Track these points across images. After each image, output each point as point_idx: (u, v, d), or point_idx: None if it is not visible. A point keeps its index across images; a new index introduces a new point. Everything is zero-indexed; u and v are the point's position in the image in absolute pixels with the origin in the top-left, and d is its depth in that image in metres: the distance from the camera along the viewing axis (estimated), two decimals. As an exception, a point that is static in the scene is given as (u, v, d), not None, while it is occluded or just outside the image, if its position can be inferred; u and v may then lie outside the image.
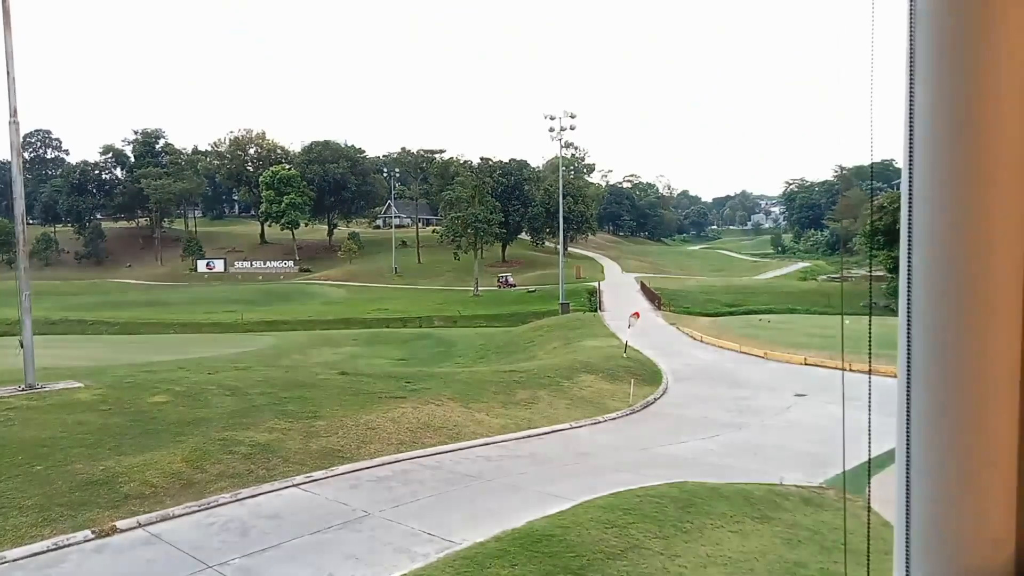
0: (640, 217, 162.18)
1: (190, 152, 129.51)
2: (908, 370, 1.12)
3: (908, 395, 1.12)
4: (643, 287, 72.48)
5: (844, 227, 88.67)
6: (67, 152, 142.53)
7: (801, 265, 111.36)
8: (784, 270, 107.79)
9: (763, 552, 11.87)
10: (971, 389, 1.07)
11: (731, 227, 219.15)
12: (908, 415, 1.12)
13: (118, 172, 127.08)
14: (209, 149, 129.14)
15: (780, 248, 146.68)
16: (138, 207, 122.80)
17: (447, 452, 18.34)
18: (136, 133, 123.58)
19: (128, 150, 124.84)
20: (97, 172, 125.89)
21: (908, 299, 1.10)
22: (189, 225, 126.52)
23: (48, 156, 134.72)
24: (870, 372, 1.93)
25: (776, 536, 12.67)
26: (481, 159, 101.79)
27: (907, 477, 1.13)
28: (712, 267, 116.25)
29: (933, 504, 1.11)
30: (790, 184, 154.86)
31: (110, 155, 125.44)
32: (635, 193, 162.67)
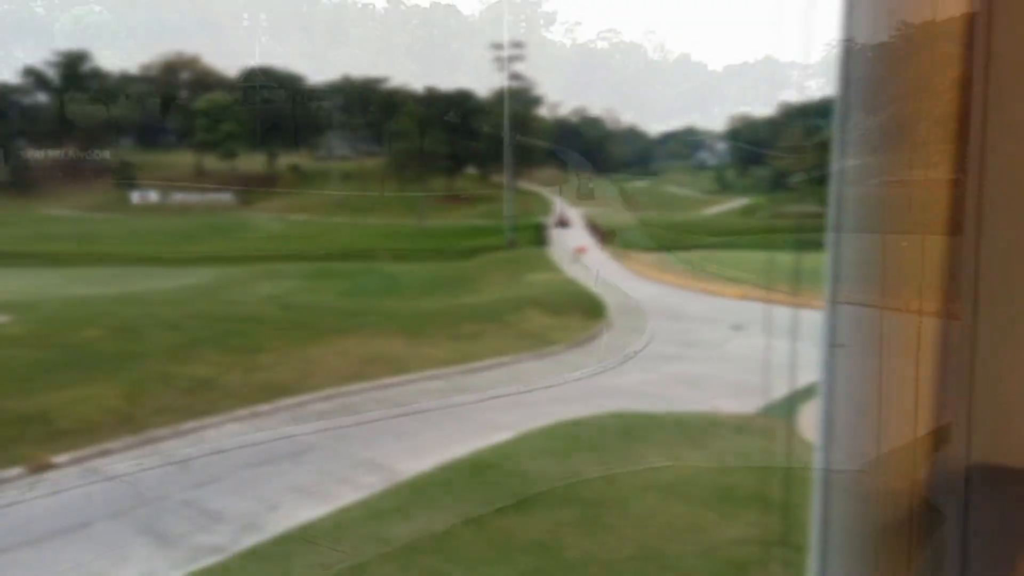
0: (587, 152, 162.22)
1: (119, 76, 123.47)
2: (833, 296, 1.14)
3: (832, 321, 1.14)
4: (589, 222, 72.75)
5: (785, 165, 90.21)
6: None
7: (744, 201, 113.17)
8: (727, 206, 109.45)
9: (698, 477, 12.37)
10: (887, 315, 1.10)
11: (676, 163, 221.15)
12: (831, 340, 1.14)
13: (41, 96, 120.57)
14: (139, 74, 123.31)
15: (724, 184, 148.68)
16: (65, 134, 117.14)
17: (392, 385, 18.41)
18: (59, 55, 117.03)
19: (51, 73, 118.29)
20: (18, 96, 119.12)
21: (836, 230, 1.12)
22: (120, 154, 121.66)
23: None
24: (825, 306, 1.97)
25: (711, 462, 13.20)
26: (426, 89, 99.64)
27: (828, 400, 1.17)
28: (657, 203, 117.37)
29: (850, 424, 1.16)
30: (735, 120, 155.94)
31: (32, 78, 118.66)
32: (583, 128, 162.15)
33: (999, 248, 0.97)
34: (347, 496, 11.39)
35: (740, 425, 15.64)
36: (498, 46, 64.19)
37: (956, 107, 0.95)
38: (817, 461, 1.20)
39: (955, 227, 1.01)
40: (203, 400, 15.79)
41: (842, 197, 1.09)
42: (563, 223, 65.32)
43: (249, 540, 10.03)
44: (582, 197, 66.24)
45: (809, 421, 13.95)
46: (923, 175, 1.02)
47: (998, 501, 1.07)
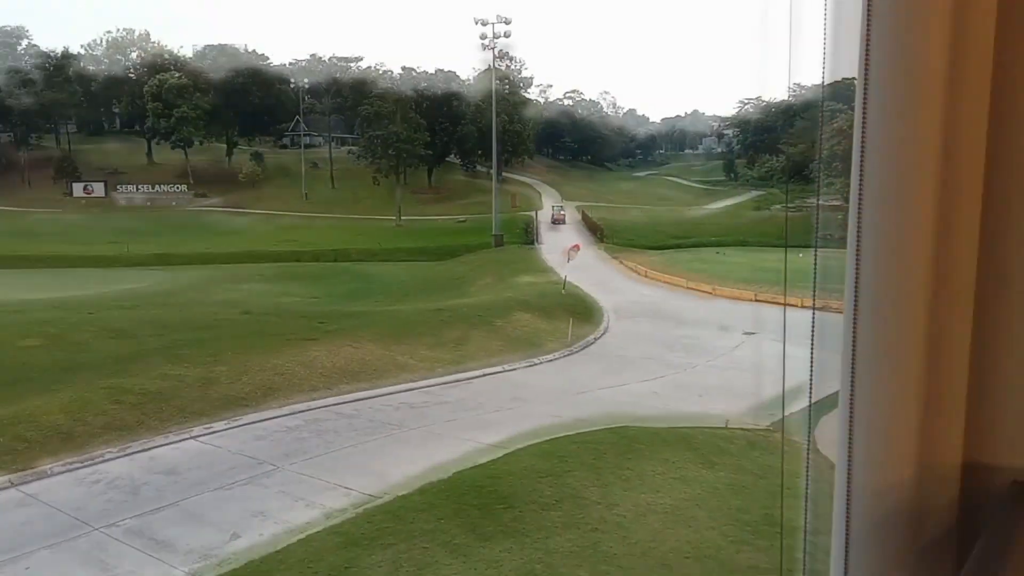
0: (582, 140, 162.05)
1: (59, 56, 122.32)
2: (856, 302, 1.13)
3: (854, 329, 1.14)
4: (584, 217, 72.99)
5: (800, 152, 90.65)
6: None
7: (755, 193, 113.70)
8: (737, 199, 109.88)
9: (706, 499, 12.39)
10: (921, 324, 1.10)
11: (681, 151, 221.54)
12: (853, 350, 1.14)
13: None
14: (82, 52, 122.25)
15: (733, 175, 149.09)
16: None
17: (365, 399, 18.38)
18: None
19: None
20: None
21: (858, 228, 1.12)
22: (62, 142, 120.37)
23: None
24: (814, 308, 1.98)
25: (719, 482, 13.23)
26: (403, 69, 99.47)
27: (850, 416, 1.16)
28: (659, 196, 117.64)
29: (877, 443, 1.15)
30: (744, 104, 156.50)
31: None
32: (577, 112, 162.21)
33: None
34: (317, 522, 11.34)
35: (753, 440, 15.70)
36: (483, 21, 64.16)
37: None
38: (838, 484, 1.19)
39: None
40: (154, 416, 15.70)
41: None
42: (557, 221, 65.38)
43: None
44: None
45: (827, 435, 14.01)
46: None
47: None
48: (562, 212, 71.88)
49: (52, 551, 10.63)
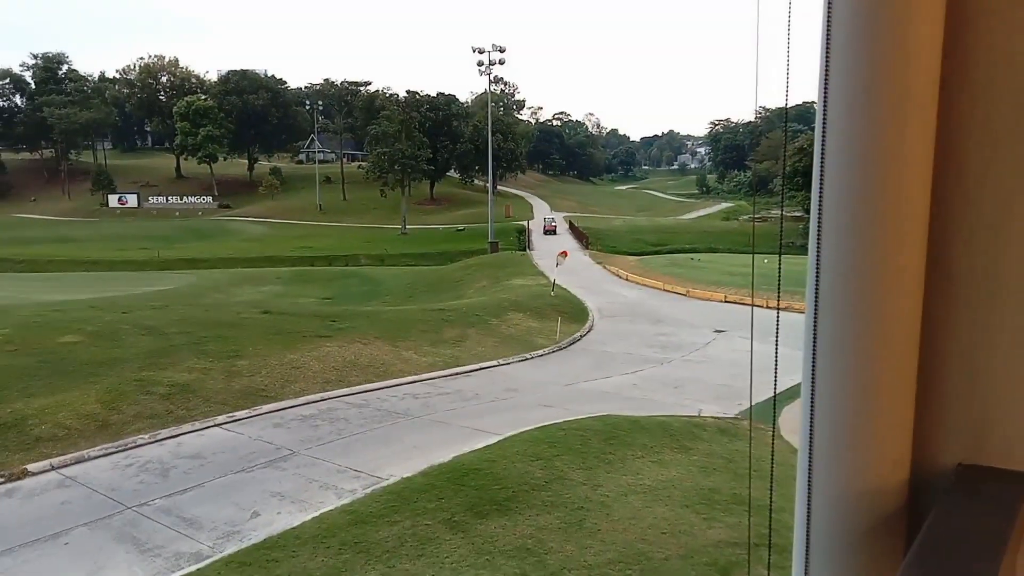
0: (569, 156, 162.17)
1: (96, 79, 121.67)
2: (816, 302, 1.16)
3: (815, 326, 1.16)
4: (571, 226, 73.03)
5: (765, 168, 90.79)
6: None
7: (724, 205, 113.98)
8: (708, 210, 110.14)
9: (680, 480, 12.40)
10: (874, 320, 1.12)
11: (658, 167, 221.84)
12: (814, 345, 1.16)
13: (18, 100, 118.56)
14: (117, 76, 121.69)
15: (705, 188, 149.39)
16: (42, 138, 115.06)
17: (374, 390, 18.34)
18: (36, 57, 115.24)
19: (27, 76, 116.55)
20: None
21: (818, 234, 1.14)
22: (98, 157, 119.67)
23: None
24: (778, 307, 2.00)
25: (693, 465, 13.23)
26: (408, 92, 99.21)
27: (811, 404, 1.18)
28: (639, 207, 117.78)
29: (834, 428, 1.17)
30: (715, 125, 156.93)
31: (7, 81, 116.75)
32: (564, 132, 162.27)
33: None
34: (330, 502, 11.30)
35: (723, 428, 15.72)
36: (480, 50, 64.07)
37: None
38: (800, 466, 1.22)
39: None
40: (181, 406, 15.63)
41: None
42: (549, 231, 65.51)
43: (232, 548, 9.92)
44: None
45: (790, 423, 14.03)
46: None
47: (982, 502, 1.10)
48: (553, 223, 72.00)
49: (90, 528, 10.57)
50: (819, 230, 1.13)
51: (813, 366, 1.15)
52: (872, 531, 1.15)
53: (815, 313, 1.14)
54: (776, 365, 2.31)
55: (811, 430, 1.17)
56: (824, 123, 1.10)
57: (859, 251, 1.10)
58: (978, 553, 0.95)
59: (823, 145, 1.11)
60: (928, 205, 1.12)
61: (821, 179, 1.12)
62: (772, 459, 2.81)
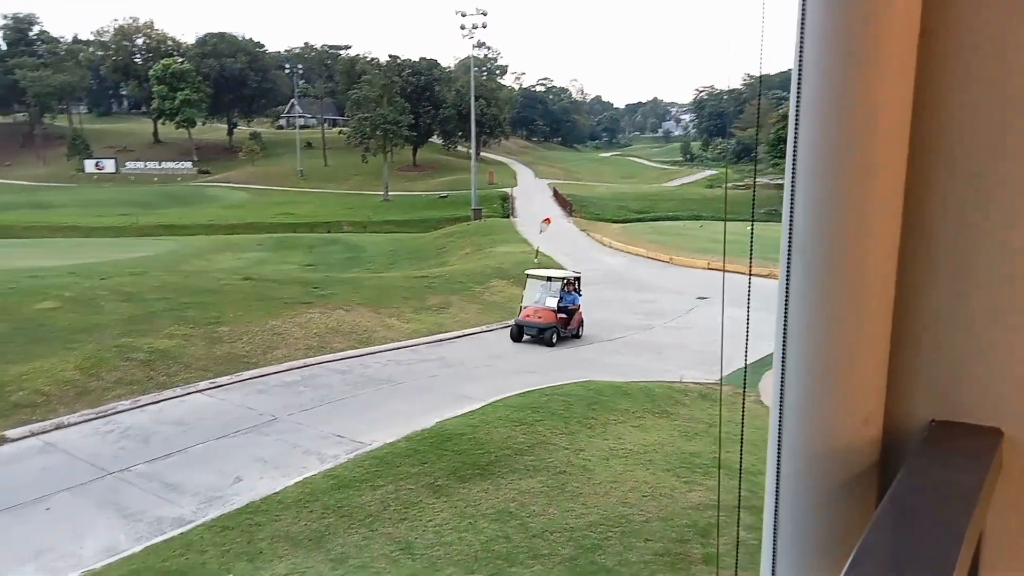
0: (553, 122, 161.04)
1: (69, 41, 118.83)
2: (788, 257, 1.16)
3: (787, 281, 1.15)
4: (555, 193, 72.77)
5: (749, 135, 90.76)
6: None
7: (709, 173, 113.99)
8: (692, 177, 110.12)
9: (662, 444, 12.55)
10: (848, 276, 1.13)
11: (642, 134, 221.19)
12: (786, 300, 1.16)
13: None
14: (92, 38, 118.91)
15: (689, 156, 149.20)
16: (14, 101, 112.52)
17: (357, 356, 18.32)
18: (6, 17, 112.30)
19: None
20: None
21: (792, 190, 1.14)
22: (74, 121, 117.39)
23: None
24: (750, 273, 2.00)
25: (675, 429, 13.39)
26: (390, 57, 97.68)
27: (783, 361, 1.19)
28: (623, 174, 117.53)
29: (806, 384, 1.18)
30: (700, 92, 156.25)
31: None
32: (548, 97, 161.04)
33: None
34: (313, 467, 11.33)
35: (704, 393, 15.88)
36: (462, 14, 63.21)
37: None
38: (772, 423, 1.22)
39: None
40: (162, 372, 15.55)
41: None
42: (547, 222, 65.01)
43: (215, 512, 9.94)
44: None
45: (769, 389, 14.21)
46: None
47: (954, 457, 1.11)
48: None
49: (71, 493, 10.55)
50: (793, 186, 1.12)
51: (785, 322, 1.16)
52: (843, 487, 1.16)
53: (787, 268, 1.14)
54: (747, 330, 2.33)
55: (782, 386, 1.17)
56: (799, 92, 1.10)
57: (833, 204, 1.10)
58: (949, 505, 0.95)
59: (797, 115, 1.11)
60: (905, 164, 1.11)
61: (795, 146, 1.12)
62: (743, 422, 2.84)
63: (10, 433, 12.33)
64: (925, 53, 1.09)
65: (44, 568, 8.59)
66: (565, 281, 21.73)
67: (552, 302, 20.85)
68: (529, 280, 22.31)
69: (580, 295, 22.00)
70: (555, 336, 20.35)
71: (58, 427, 12.86)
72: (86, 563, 8.59)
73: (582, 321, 21.82)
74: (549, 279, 21.76)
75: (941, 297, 1.14)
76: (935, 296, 1.15)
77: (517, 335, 20.70)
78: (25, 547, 9.05)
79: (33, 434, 12.51)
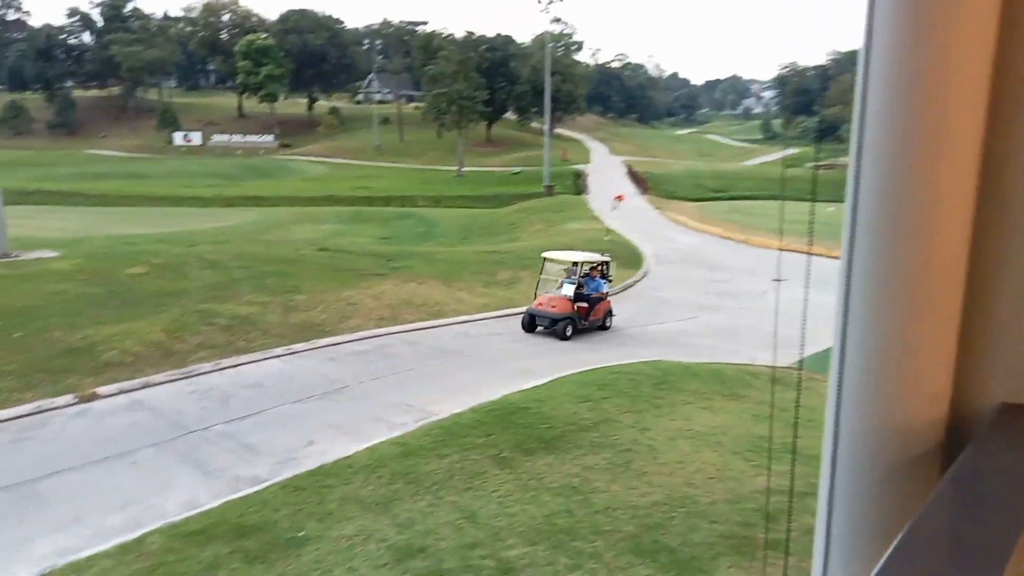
0: (629, 99, 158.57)
1: (160, 18, 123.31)
2: (853, 227, 1.11)
3: (851, 253, 1.11)
4: (629, 171, 71.85)
5: (834, 113, 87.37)
6: (28, 14, 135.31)
7: (790, 151, 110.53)
8: (772, 156, 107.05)
9: (730, 427, 12.32)
10: (917, 250, 1.09)
11: (721, 112, 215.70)
12: (849, 273, 1.11)
13: (86, 37, 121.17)
14: (181, 15, 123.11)
15: (770, 134, 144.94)
16: (109, 75, 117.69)
17: (427, 328, 18.59)
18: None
19: (95, 13, 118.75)
20: (63, 37, 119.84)
21: (858, 158, 1.10)
22: (163, 95, 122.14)
23: (8, 18, 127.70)
24: (809, 252, 1.94)
25: (744, 412, 13.12)
26: (466, 33, 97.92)
27: (843, 336, 1.14)
28: (700, 152, 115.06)
29: (868, 360, 1.14)
30: (783, 68, 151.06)
31: (77, 18, 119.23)
32: (624, 74, 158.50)
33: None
34: (382, 434, 11.58)
35: (777, 376, 15.49)
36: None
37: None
38: (830, 400, 1.18)
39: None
40: (241, 337, 16.12)
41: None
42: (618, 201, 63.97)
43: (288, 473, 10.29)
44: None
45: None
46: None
47: (1021, 441, 1.07)
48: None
49: (156, 449, 11.09)
50: (859, 161, 1.06)
51: (847, 299, 1.11)
52: (902, 468, 1.12)
53: (851, 246, 1.09)
54: (804, 311, 2.25)
55: (841, 364, 1.13)
56: (866, 72, 1.04)
57: (904, 172, 1.04)
58: (1012, 490, 0.91)
59: (864, 95, 1.05)
60: (981, 135, 1.04)
61: (863, 113, 1.06)
62: (797, 404, 2.75)
63: (101, 390, 13.03)
64: (1007, 16, 1.01)
65: (130, 519, 9.06)
66: (591, 266, 19.37)
67: (569, 289, 18.58)
68: (546, 264, 20.13)
69: (609, 280, 19.74)
70: (569, 328, 18.09)
71: (145, 386, 13.51)
72: (168, 515, 9.03)
73: (610, 311, 19.62)
74: (574, 264, 19.34)
75: (1017, 276, 1.09)
76: (1010, 275, 1.09)
77: (529, 325, 18.55)
78: (114, 498, 9.58)
79: (122, 392, 13.18)
